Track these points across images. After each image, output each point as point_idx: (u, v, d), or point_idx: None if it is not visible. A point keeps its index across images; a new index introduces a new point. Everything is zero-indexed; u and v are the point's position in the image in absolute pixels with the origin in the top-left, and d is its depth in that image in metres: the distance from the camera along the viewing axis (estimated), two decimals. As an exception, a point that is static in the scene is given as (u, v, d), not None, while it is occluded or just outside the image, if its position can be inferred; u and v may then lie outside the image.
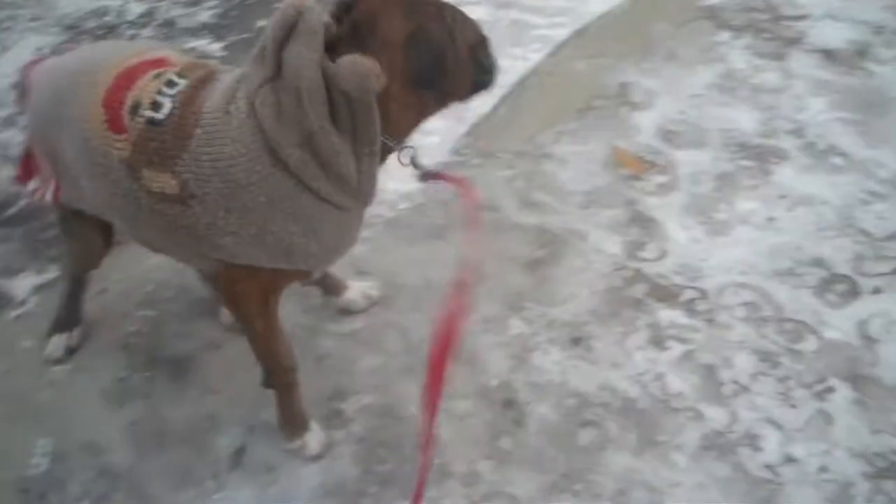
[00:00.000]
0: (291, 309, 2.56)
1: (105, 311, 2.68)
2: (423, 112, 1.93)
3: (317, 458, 2.27)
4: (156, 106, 1.86)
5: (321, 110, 1.72)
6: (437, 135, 3.25)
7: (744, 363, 2.40)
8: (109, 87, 1.92)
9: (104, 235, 2.33)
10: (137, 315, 2.66)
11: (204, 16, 4.21)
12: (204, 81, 1.89)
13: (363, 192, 1.88)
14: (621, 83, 3.46)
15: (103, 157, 1.90)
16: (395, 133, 1.87)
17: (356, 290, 2.62)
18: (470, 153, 3.18)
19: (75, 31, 4.18)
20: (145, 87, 1.90)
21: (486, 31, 1.92)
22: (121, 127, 1.87)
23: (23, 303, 2.76)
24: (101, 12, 4.30)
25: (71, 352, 2.57)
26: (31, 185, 2.25)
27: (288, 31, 1.72)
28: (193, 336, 2.58)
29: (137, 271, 2.79)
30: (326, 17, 1.73)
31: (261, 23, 4.06)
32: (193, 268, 2.39)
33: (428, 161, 3.04)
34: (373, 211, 2.73)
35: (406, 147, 1.92)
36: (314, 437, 2.28)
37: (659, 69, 3.52)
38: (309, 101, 1.71)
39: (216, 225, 1.84)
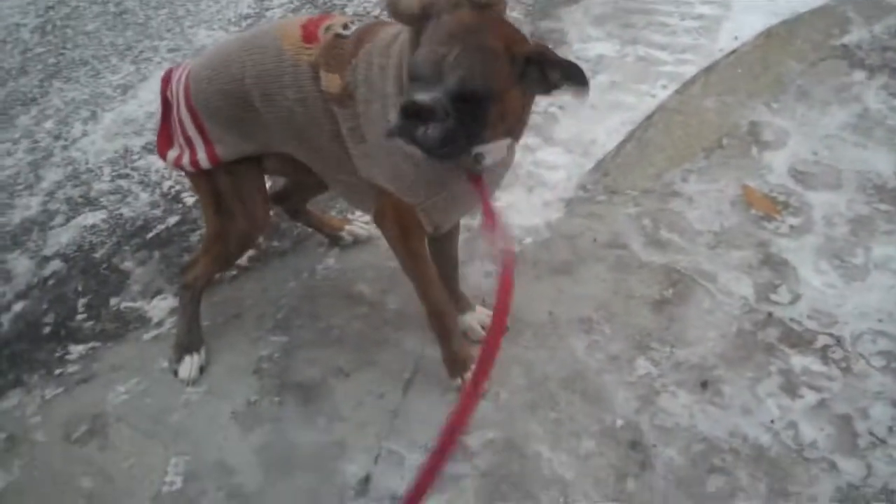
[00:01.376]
0: (422, 338, 2.60)
1: (238, 334, 2.76)
2: None
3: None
4: (346, 27, 2.25)
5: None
6: (563, 169, 3.28)
7: (881, 414, 2.33)
8: (304, 22, 2.31)
9: (265, 199, 2.56)
10: (269, 340, 2.73)
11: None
12: (387, 25, 2.23)
13: None
14: (751, 122, 3.40)
15: (294, 64, 2.25)
16: None
17: (478, 317, 2.67)
18: (596, 189, 3.17)
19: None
20: (339, 19, 2.30)
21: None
22: (314, 38, 2.25)
23: (160, 324, 2.86)
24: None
25: (201, 371, 2.66)
26: (171, 153, 2.47)
27: None
28: (323, 363, 2.63)
29: (270, 297, 2.86)
30: None
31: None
32: (362, 210, 2.67)
33: (552, 195, 3.11)
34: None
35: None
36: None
37: (791, 108, 3.45)
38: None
39: (355, 130, 2.20)
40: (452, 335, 2.48)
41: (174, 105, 2.44)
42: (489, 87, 1.86)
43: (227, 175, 2.43)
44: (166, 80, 2.49)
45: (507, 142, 2.09)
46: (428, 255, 2.41)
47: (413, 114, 1.82)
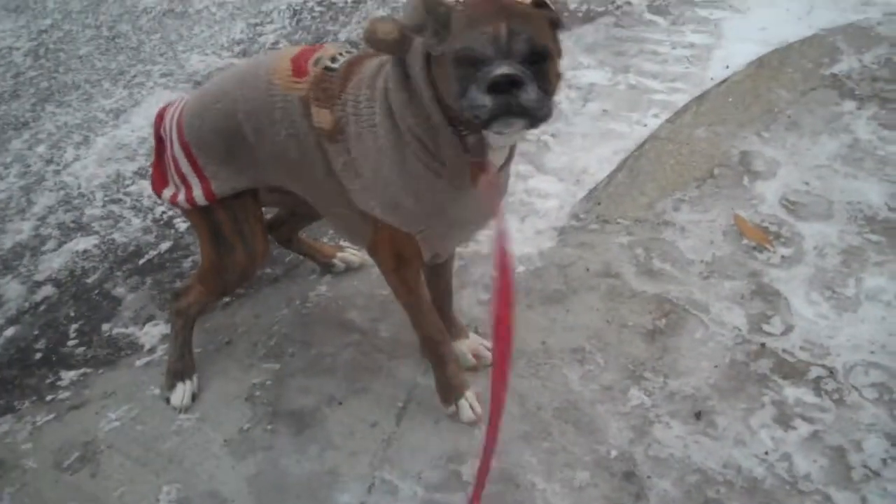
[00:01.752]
0: (415, 366, 2.61)
1: (231, 361, 2.75)
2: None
3: (471, 423, 2.48)
4: (334, 59, 2.25)
5: (423, 80, 1.99)
6: (555, 198, 3.29)
7: (875, 447, 2.33)
8: (294, 55, 2.30)
9: (263, 230, 2.55)
10: (261, 367, 2.72)
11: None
12: (373, 55, 2.22)
13: (451, 168, 2.07)
14: (743, 151, 3.42)
15: (284, 99, 2.24)
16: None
17: (471, 344, 2.66)
18: (588, 218, 3.18)
19: (204, 85, 4.33)
20: (327, 50, 2.30)
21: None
22: (304, 72, 2.24)
23: (152, 350, 2.86)
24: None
25: (193, 398, 2.65)
26: (166, 192, 2.46)
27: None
28: (315, 391, 2.62)
29: (262, 325, 2.86)
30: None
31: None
32: (355, 243, 2.66)
33: (544, 223, 3.12)
34: (490, 273, 2.78)
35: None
36: (466, 405, 2.48)
37: (781, 138, 3.47)
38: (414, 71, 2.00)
39: (349, 165, 2.19)
40: (447, 363, 2.48)
41: (168, 143, 2.42)
42: (547, 46, 1.88)
43: (225, 209, 2.42)
44: (160, 117, 2.48)
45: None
46: (423, 284, 2.41)
47: (504, 88, 1.80)
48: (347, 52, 2.29)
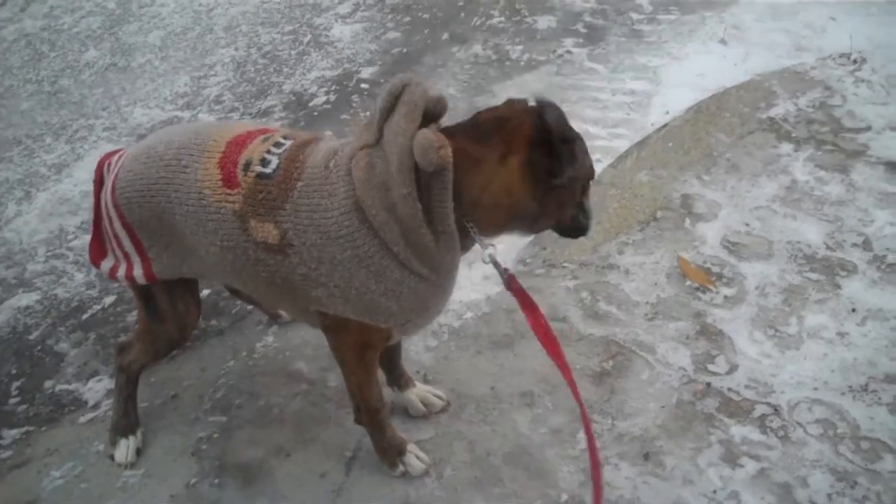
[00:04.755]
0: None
1: (176, 415, 2.71)
2: (514, 217, 2.02)
3: (424, 474, 2.43)
4: (265, 162, 2.08)
5: (408, 177, 1.88)
6: (502, 243, 3.27)
7: (820, 483, 2.36)
8: (223, 152, 2.13)
9: (196, 303, 2.46)
10: (208, 420, 2.68)
11: (273, 126, 4.31)
12: (308, 143, 2.11)
13: (441, 266, 2.01)
14: (684, 194, 3.48)
15: (217, 212, 2.09)
16: (483, 224, 1.99)
17: (420, 393, 2.63)
18: (534, 263, 3.21)
19: (147, 138, 4.31)
20: (256, 148, 2.12)
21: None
22: (234, 183, 2.08)
23: (96, 406, 2.81)
24: (173, 122, 4.43)
25: (138, 454, 2.59)
26: (105, 264, 2.38)
27: (393, 103, 1.91)
28: (263, 442, 2.59)
29: (209, 377, 2.83)
30: (436, 93, 1.92)
31: (328, 133, 4.18)
32: (302, 321, 2.44)
33: (491, 269, 3.12)
34: (439, 320, 2.78)
35: (489, 244, 2.00)
36: (413, 458, 2.42)
37: (722, 181, 3.54)
38: (398, 168, 1.88)
39: (309, 276, 2.04)
40: (385, 427, 2.41)
41: (105, 218, 2.32)
42: None
43: (163, 284, 2.35)
44: (98, 183, 2.39)
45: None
46: (377, 360, 2.34)
47: None
48: (276, 144, 2.12)
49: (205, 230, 2.12)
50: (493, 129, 1.95)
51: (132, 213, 2.22)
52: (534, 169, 1.94)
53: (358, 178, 1.94)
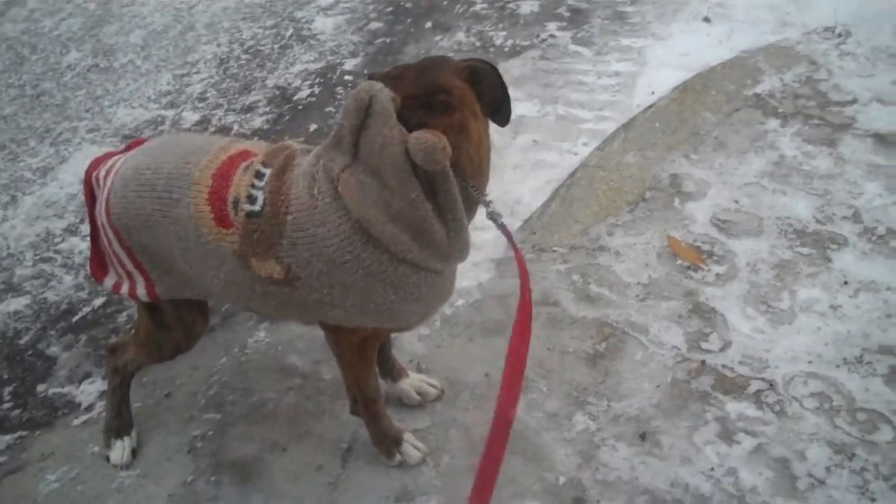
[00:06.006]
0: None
1: (170, 414, 2.70)
2: (488, 145, 2.08)
3: (421, 462, 2.43)
4: (251, 199, 2.03)
5: (412, 183, 1.87)
6: (490, 230, 3.26)
7: (818, 455, 2.35)
8: (210, 186, 2.08)
9: (203, 313, 2.43)
10: (202, 418, 2.67)
11: (257, 121, 4.30)
12: (284, 168, 2.07)
13: (454, 253, 2.01)
14: (672, 174, 3.47)
15: (216, 249, 2.06)
16: (478, 177, 2.03)
17: (413, 382, 2.63)
18: (524, 248, 3.19)
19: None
20: (240, 183, 2.07)
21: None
22: (228, 222, 2.04)
23: (89, 408, 2.79)
24: (157, 121, 4.41)
25: (133, 454, 2.58)
26: (108, 280, 2.34)
27: (364, 116, 1.87)
28: (258, 438, 2.58)
29: (201, 375, 2.81)
30: (390, 93, 1.89)
31: (313, 127, 4.16)
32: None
33: (482, 255, 3.12)
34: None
35: (489, 201, 2.00)
36: (409, 447, 2.43)
37: (709, 159, 3.53)
38: (396, 177, 1.87)
39: (323, 301, 2.04)
40: (381, 416, 2.41)
41: (103, 237, 2.26)
42: None
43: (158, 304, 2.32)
44: (89, 196, 2.33)
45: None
46: (376, 353, 2.34)
47: None
48: (257, 175, 2.07)
49: (206, 266, 2.11)
50: (440, 95, 1.95)
51: (131, 238, 2.18)
52: (484, 110, 2.03)
53: (351, 199, 1.91)
